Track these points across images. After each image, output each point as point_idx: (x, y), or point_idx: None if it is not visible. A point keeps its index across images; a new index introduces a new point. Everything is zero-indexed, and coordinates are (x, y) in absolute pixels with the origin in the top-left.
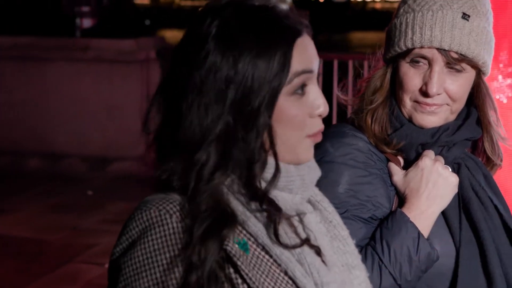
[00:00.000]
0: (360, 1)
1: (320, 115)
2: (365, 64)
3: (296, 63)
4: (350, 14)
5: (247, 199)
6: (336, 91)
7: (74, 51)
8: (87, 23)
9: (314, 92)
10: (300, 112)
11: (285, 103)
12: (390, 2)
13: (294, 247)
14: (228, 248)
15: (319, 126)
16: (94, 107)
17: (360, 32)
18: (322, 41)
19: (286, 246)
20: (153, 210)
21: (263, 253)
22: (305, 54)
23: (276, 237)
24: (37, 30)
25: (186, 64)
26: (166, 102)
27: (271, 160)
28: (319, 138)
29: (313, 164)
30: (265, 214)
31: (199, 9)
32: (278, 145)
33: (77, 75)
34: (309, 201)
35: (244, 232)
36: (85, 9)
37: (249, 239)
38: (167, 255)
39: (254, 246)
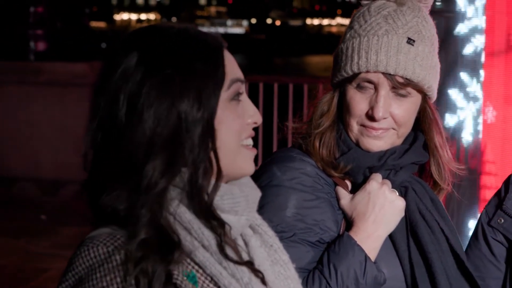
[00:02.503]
0: (316, 25)
1: (255, 123)
2: (320, 87)
3: (230, 71)
4: (305, 38)
5: (194, 221)
6: (290, 118)
7: (26, 74)
8: (41, 46)
9: (248, 101)
10: (239, 119)
11: (226, 109)
12: (346, 26)
13: (239, 263)
14: (178, 282)
15: (249, 132)
16: (47, 130)
17: (316, 55)
18: (279, 65)
19: (231, 260)
20: (101, 247)
21: (211, 284)
22: (234, 64)
23: (222, 251)
24: None
25: (117, 86)
26: (102, 127)
27: (213, 178)
28: (254, 151)
29: (253, 184)
30: (211, 237)
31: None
32: (221, 153)
33: (30, 98)
34: (250, 225)
35: (192, 263)
36: (39, 32)
37: (197, 271)
38: None
39: (203, 278)
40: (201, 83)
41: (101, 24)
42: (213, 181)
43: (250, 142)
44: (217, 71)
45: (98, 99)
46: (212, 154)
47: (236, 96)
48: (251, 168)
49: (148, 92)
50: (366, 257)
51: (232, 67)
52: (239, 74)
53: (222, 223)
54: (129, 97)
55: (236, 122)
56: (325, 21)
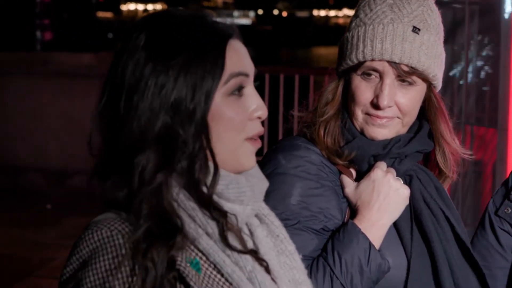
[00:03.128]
0: (323, 17)
1: (259, 117)
2: (326, 79)
3: (231, 65)
4: (312, 29)
5: (198, 208)
6: (296, 108)
7: (33, 64)
8: (47, 36)
9: (252, 95)
10: (239, 114)
11: (223, 104)
12: None
13: (242, 252)
14: (181, 268)
15: (258, 129)
16: (54, 121)
17: (322, 47)
18: (285, 56)
19: (234, 249)
20: (105, 231)
21: (214, 272)
22: (239, 57)
23: (224, 241)
24: None
25: (119, 75)
26: (105, 116)
27: (213, 168)
28: (258, 144)
29: (261, 174)
30: (214, 225)
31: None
32: (219, 148)
33: (37, 88)
34: (256, 215)
35: (196, 250)
36: (45, 22)
37: (201, 258)
38: (120, 275)
39: (206, 265)
40: (197, 76)
41: (108, 15)
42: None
43: (254, 131)
44: (215, 64)
45: (105, 86)
46: (208, 150)
47: (236, 90)
48: (250, 163)
49: (147, 80)
50: (371, 245)
51: (236, 60)
52: (243, 67)
53: (224, 213)
54: (129, 85)
55: (236, 117)
56: (332, 13)
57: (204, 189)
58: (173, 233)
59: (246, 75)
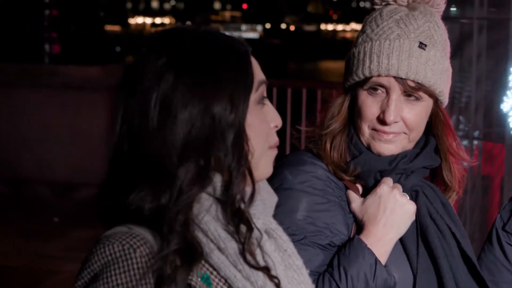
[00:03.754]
0: (330, 31)
1: (276, 127)
2: (334, 92)
3: (257, 73)
4: (320, 43)
5: (214, 224)
6: (303, 122)
7: (41, 77)
8: (55, 49)
9: (270, 105)
10: (264, 122)
11: (254, 112)
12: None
13: (257, 268)
14: (193, 283)
15: (276, 138)
16: (60, 133)
17: (330, 61)
18: (293, 70)
19: (252, 265)
20: (116, 245)
21: (225, 287)
22: (258, 67)
23: (243, 256)
24: (4, 55)
25: (146, 90)
26: (130, 130)
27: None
28: (275, 152)
29: (270, 189)
30: (229, 239)
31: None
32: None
33: (44, 101)
34: (265, 230)
35: (207, 265)
36: (53, 35)
37: (212, 273)
38: None
39: (216, 280)
40: (233, 87)
41: (116, 28)
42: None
43: (274, 140)
44: (247, 74)
45: (127, 102)
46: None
47: (262, 99)
48: (270, 170)
49: (182, 94)
50: (376, 260)
51: (258, 70)
52: (263, 76)
53: (250, 228)
54: (162, 100)
55: (262, 125)
56: (340, 27)
57: (237, 204)
58: (196, 258)
59: (266, 83)
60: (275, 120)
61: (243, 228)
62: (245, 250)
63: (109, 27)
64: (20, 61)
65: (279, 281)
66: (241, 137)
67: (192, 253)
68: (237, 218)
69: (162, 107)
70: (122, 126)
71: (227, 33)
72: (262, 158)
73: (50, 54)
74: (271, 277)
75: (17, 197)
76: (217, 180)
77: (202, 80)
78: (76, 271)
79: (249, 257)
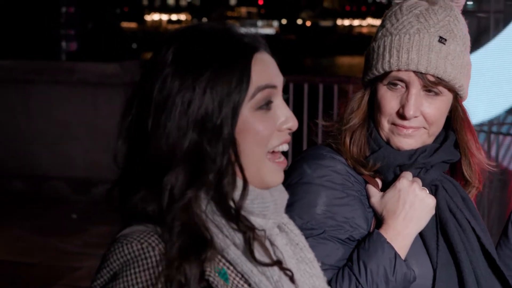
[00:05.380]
0: (347, 26)
1: (289, 129)
2: (350, 88)
3: (258, 78)
4: (336, 38)
5: (225, 221)
6: (320, 117)
7: (59, 74)
8: (72, 46)
9: (281, 107)
10: (267, 127)
11: (250, 118)
12: (376, 26)
13: (269, 265)
14: (210, 278)
15: (284, 137)
16: (79, 130)
17: (346, 56)
18: (309, 65)
19: (261, 263)
20: (135, 244)
21: (242, 282)
22: (266, 70)
23: (252, 255)
24: (21, 53)
25: (147, 91)
26: (131, 130)
27: (240, 183)
28: (283, 164)
29: (281, 187)
30: (241, 236)
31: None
32: (246, 162)
33: (62, 98)
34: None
35: (224, 260)
36: (70, 32)
37: (228, 268)
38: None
39: (233, 275)
40: (223, 92)
41: (132, 25)
42: (240, 186)
43: (282, 148)
44: (241, 79)
45: (133, 99)
46: (236, 165)
47: (265, 104)
48: (277, 180)
49: (174, 96)
50: (396, 255)
51: (263, 73)
52: (269, 80)
53: (251, 227)
54: (156, 105)
55: (263, 131)
56: (356, 22)
57: (232, 204)
58: (204, 247)
59: (274, 87)
60: (287, 122)
61: (244, 227)
62: (251, 248)
63: (125, 24)
64: (37, 59)
65: (292, 273)
66: (229, 145)
67: (200, 244)
68: (234, 218)
69: (156, 110)
70: (128, 125)
71: (248, 31)
72: (263, 167)
73: (67, 51)
74: (284, 270)
75: (36, 194)
76: (211, 181)
77: (195, 82)
78: (95, 266)
79: (258, 252)
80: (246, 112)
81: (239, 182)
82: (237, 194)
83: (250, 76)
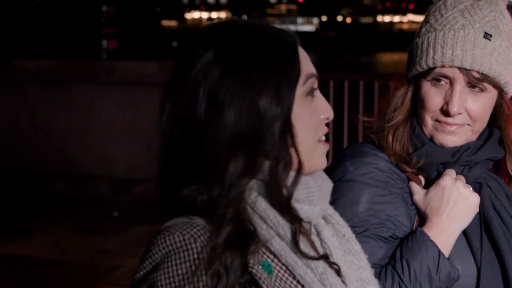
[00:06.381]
0: (387, 22)
1: (327, 118)
2: (391, 85)
3: (305, 66)
4: (377, 35)
5: (270, 211)
6: (361, 114)
7: (99, 73)
8: (112, 45)
9: (320, 97)
10: (314, 115)
11: (302, 105)
12: (417, 23)
13: (315, 258)
14: (254, 271)
15: (325, 129)
16: (119, 129)
17: (386, 53)
18: (349, 62)
19: (307, 256)
20: (177, 235)
21: (286, 274)
22: (308, 60)
23: (297, 246)
24: (61, 53)
25: (192, 90)
26: (177, 126)
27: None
28: (327, 146)
29: (325, 175)
30: (286, 227)
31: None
32: (298, 147)
33: (102, 97)
34: (322, 216)
35: (268, 253)
36: (111, 31)
37: (273, 260)
38: (195, 279)
39: (278, 267)
40: (278, 80)
41: (172, 23)
42: (292, 173)
43: (323, 137)
44: (293, 67)
45: (175, 95)
46: (292, 149)
47: (311, 92)
48: (324, 163)
49: (228, 88)
50: (440, 253)
51: (306, 63)
52: (313, 69)
53: (299, 218)
54: (209, 94)
55: (312, 118)
56: (396, 18)
57: (284, 192)
58: (250, 238)
59: (316, 76)
60: (326, 112)
61: (292, 218)
62: (297, 239)
63: (165, 23)
64: (77, 58)
65: (339, 267)
66: (287, 130)
67: (245, 236)
68: (284, 206)
69: (209, 102)
70: (168, 120)
71: (280, 26)
72: (314, 151)
73: (108, 50)
74: (331, 264)
75: (77, 193)
76: (265, 168)
77: (248, 74)
78: (136, 265)
79: (304, 244)
80: (299, 99)
81: (291, 172)
82: (289, 181)
83: (300, 63)
